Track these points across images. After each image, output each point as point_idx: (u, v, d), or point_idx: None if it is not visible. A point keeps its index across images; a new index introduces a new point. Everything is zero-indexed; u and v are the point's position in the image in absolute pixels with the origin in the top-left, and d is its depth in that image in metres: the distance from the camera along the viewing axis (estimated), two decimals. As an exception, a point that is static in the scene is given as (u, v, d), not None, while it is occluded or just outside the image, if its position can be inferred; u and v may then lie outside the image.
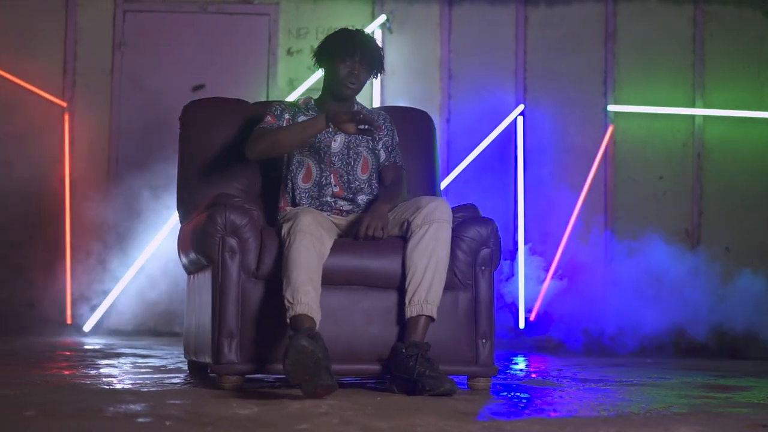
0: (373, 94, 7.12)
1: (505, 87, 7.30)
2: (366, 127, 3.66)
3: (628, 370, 4.95)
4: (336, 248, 3.49)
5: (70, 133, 7.15)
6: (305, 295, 3.27)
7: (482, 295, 3.62)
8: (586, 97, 7.31)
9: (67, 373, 3.93)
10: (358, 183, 3.80)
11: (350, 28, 3.92)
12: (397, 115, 4.17)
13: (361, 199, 3.79)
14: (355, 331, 3.50)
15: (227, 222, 3.44)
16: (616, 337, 6.73)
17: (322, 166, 3.79)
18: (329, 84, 3.85)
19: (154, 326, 7.05)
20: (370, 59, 3.80)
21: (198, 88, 7.18)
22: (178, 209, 4.09)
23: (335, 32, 3.88)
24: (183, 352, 4.21)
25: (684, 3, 7.38)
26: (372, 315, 3.52)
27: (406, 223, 3.56)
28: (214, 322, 3.42)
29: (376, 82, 6.97)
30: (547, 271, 7.01)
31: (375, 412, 2.80)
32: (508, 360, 5.53)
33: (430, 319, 3.46)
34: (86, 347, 5.63)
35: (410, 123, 4.26)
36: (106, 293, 6.94)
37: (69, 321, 6.96)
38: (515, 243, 7.06)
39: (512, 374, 4.47)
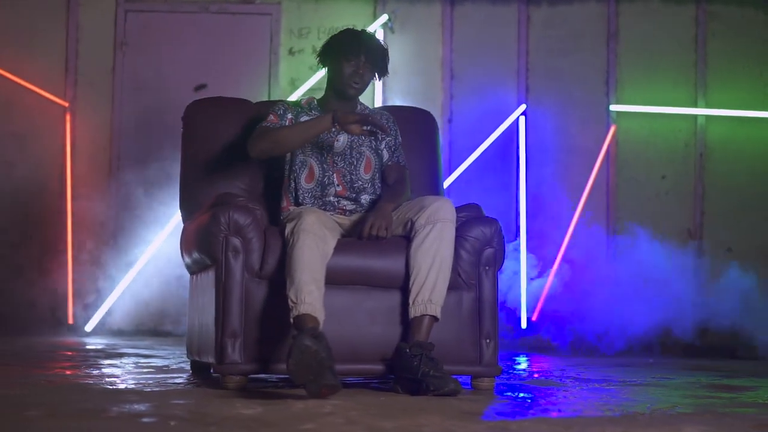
0: (375, 94, 7.11)
1: (507, 87, 7.29)
2: (370, 128, 3.65)
3: (631, 370, 4.94)
4: (339, 248, 3.48)
5: (71, 133, 7.14)
6: (309, 294, 3.26)
7: (486, 295, 3.62)
8: (588, 96, 7.30)
9: (69, 373, 3.92)
10: (361, 183, 3.80)
11: (355, 28, 3.92)
12: (399, 114, 4.16)
13: (364, 198, 3.79)
14: (359, 331, 3.50)
15: (231, 222, 3.43)
16: (618, 337, 6.72)
17: (325, 165, 3.78)
18: (333, 83, 3.84)
19: (152, 326, 7.03)
20: (375, 60, 3.80)
21: (200, 87, 7.17)
22: (181, 209, 4.08)
23: (340, 32, 3.87)
24: (185, 352, 4.20)
25: (686, 3, 7.37)
26: (375, 315, 3.52)
27: (409, 223, 3.56)
28: (217, 322, 3.41)
29: (378, 82, 6.96)
30: (549, 271, 7.00)
31: (379, 412, 2.79)
32: (510, 360, 5.53)
33: (434, 318, 3.45)
34: (88, 347, 5.62)
35: (413, 123, 4.25)
36: (107, 293, 6.93)
37: (70, 321, 6.95)
38: (517, 243, 7.05)
39: (515, 374, 4.46)
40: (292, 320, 3.27)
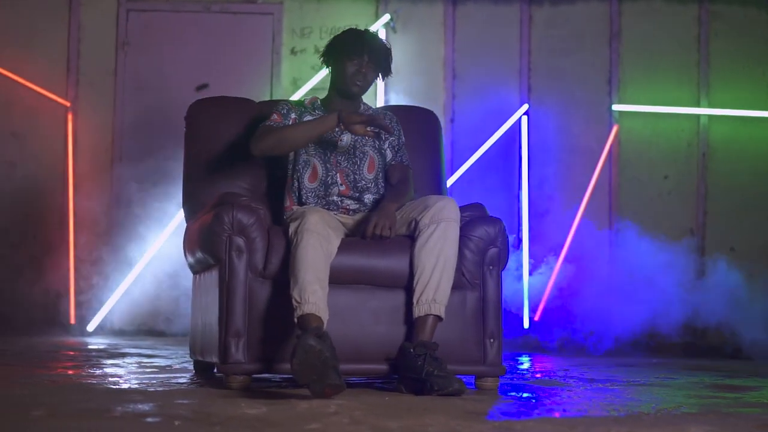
0: (377, 94, 7.10)
1: (510, 86, 7.29)
2: (374, 129, 3.65)
3: (634, 370, 4.93)
4: (343, 247, 3.47)
5: (72, 133, 7.13)
6: (313, 294, 3.26)
7: (490, 295, 3.61)
8: (590, 96, 7.29)
9: (72, 372, 3.91)
10: (364, 182, 3.79)
11: (358, 28, 3.93)
12: (403, 114, 4.16)
13: (368, 198, 3.78)
14: (363, 330, 3.49)
15: (234, 221, 3.42)
16: (620, 337, 6.72)
17: (328, 165, 3.78)
18: (336, 82, 3.85)
19: (152, 325, 7.03)
20: (378, 59, 3.81)
21: (202, 87, 7.17)
22: (184, 208, 4.08)
23: (343, 31, 3.88)
24: (188, 351, 4.20)
25: (689, 2, 7.36)
26: (379, 314, 3.51)
27: (413, 222, 3.55)
28: (221, 322, 3.41)
29: (380, 82, 6.94)
30: (551, 271, 6.99)
31: (384, 412, 2.78)
32: (513, 360, 5.52)
33: (438, 318, 3.45)
34: (90, 347, 5.62)
35: (416, 122, 4.25)
36: (109, 293, 6.92)
37: (72, 321, 6.94)
38: (519, 242, 7.04)
39: (518, 374, 4.45)
40: (296, 320, 3.27)
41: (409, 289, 3.49)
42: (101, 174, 7.13)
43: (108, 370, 4.03)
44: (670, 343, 6.91)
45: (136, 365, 4.35)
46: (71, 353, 5.11)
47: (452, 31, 7.31)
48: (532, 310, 6.95)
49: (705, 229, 7.27)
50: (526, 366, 5.10)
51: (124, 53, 7.23)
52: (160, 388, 3.32)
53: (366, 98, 4.00)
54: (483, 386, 3.59)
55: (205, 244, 3.50)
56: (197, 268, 3.91)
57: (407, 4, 7.30)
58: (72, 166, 7.08)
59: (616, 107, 7.27)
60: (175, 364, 4.49)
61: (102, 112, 7.18)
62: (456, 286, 3.52)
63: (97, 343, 6.04)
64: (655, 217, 7.19)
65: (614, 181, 7.26)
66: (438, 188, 4.16)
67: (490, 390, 3.55)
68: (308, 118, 3.82)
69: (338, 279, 3.43)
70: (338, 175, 3.78)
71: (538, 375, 4.49)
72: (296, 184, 3.78)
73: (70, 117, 7.14)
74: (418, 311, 3.44)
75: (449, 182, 7.00)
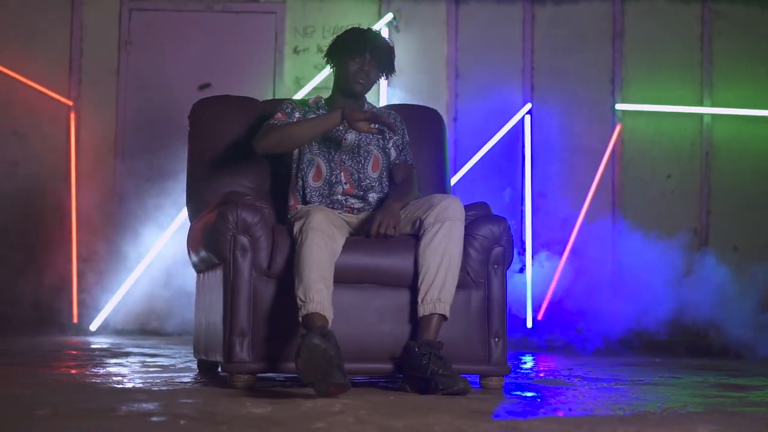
0: (380, 93, 7.10)
1: (512, 85, 7.28)
2: (378, 126, 3.65)
3: (638, 369, 4.93)
4: (348, 246, 3.47)
5: (75, 132, 7.13)
6: (317, 293, 3.25)
7: (495, 294, 3.60)
8: (593, 95, 7.29)
9: (75, 372, 3.90)
10: (368, 181, 3.78)
11: (361, 27, 3.93)
12: (406, 113, 4.16)
13: (372, 197, 3.78)
14: (367, 329, 3.48)
15: (239, 220, 3.42)
16: (622, 336, 6.71)
17: (333, 164, 3.77)
18: (339, 81, 3.84)
19: (157, 325, 7.03)
20: (381, 57, 3.80)
21: (204, 86, 7.16)
22: (188, 207, 4.07)
23: (346, 30, 3.88)
24: (192, 350, 4.19)
25: (692, 2, 7.35)
26: (384, 313, 3.50)
27: (418, 221, 3.55)
28: (225, 321, 3.40)
29: (383, 81, 6.95)
30: (555, 270, 6.98)
31: (389, 411, 2.78)
32: (517, 359, 5.51)
33: (443, 317, 3.44)
34: (93, 346, 5.61)
35: (420, 121, 4.25)
36: (111, 292, 6.92)
37: (75, 320, 6.94)
38: (522, 242, 7.04)
39: (522, 373, 4.44)
40: (300, 319, 3.26)
41: (413, 288, 3.49)
42: (103, 173, 7.13)
43: (111, 370, 4.03)
44: (670, 341, 6.90)
45: (139, 364, 4.34)
46: (74, 353, 5.10)
47: (455, 30, 7.31)
48: (535, 310, 6.94)
49: (708, 228, 7.26)
50: (529, 365, 5.09)
51: (126, 52, 7.22)
52: (164, 388, 3.32)
53: (369, 97, 4.00)
54: (488, 385, 3.58)
55: (210, 243, 3.49)
56: (201, 267, 3.90)
57: (410, 3, 7.29)
58: (74, 165, 7.07)
59: (619, 106, 7.26)
60: (178, 363, 4.49)
61: (104, 111, 7.18)
62: (461, 285, 3.51)
63: (99, 342, 6.04)
64: (659, 217, 7.18)
65: (617, 181, 7.25)
66: (442, 187, 4.15)
67: (494, 389, 3.55)
68: (312, 117, 3.82)
69: (343, 278, 3.42)
70: (342, 174, 3.77)
71: (542, 374, 4.49)
72: (300, 182, 3.78)
73: (72, 116, 7.13)
74: (423, 310, 3.43)
75: (453, 181, 6.99)
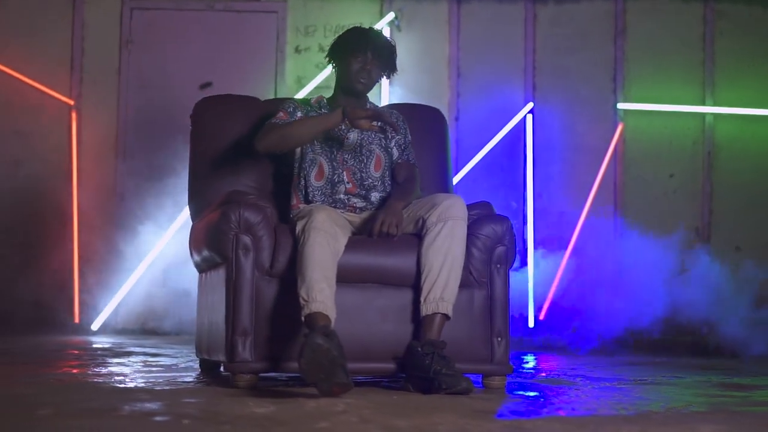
0: (382, 92, 7.09)
1: (514, 85, 7.27)
2: (380, 124, 3.64)
3: (641, 368, 4.92)
4: (350, 246, 3.46)
5: (76, 131, 7.13)
6: (320, 292, 3.24)
7: (497, 293, 3.60)
8: (595, 95, 7.28)
9: (77, 371, 3.90)
10: (371, 180, 3.78)
11: (363, 26, 3.92)
12: (409, 112, 4.15)
13: (374, 196, 3.77)
14: (370, 329, 3.48)
15: (241, 219, 3.41)
16: (623, 336, 6.70)
17: (335, 163, 3.77)
18: (341, 80, 3.84)
19: (158, 324, 7.03)
20: (382, 56, 3.80)
21: (205, 86, 7.15)
22: (190, 206, 4.06)
23: (348, 30, 3.88)
24: (194, 350, 4.18)
25: (694, 1, 7.35)
26: (387, 313, 3.50)
27: (421, 221, 3.54)
28: (227, 321, 3.40)
29: (385, 81, 6.94)
30: (557, 269, 6.98)
31: (393, 411, 2.77)
32: (519, 359, 5.51)
33: (446, 317, 3.43)
34: (95, 346, 5.61)
35: (422, 120, 4.24)
36: (113, 292, 6.92)
37: (77, 320, 6.93)
38: (524, 242, 7.03)
39: (525, 373, 4.44)
40: (303, 318, 3.25)
41: (416, 288, 3.48)
42: (104, 173, 7.13)
43: (113, 369, 4.02)
44: (668, 340, 6.89)
45: (141, 364, 4.34)
46: (76, 352, 5.10)
47: (457, 29, 7.30)
48: (537, 309, 6.94)
49: (711, 228, 7.25)
50: (532, 365, 5.08)
51: (127, 51, 7.22)
52: (167, 387, 3.31)
53: (370, 97, 3.99)
54: (490, 385, 3.57)
55: (212, 243, 3.48)
56: (203, 267, 3.89)
57: (412, 3, 7.29)
58: (75, 164, 7.07)
59: (621, 106, 7.26)
60: (180, 362, 4.48)
61: (105, 111, 7.17)
62: (463, 285, 3.51)
63: (101, 342, 6.03)
64: (661, 216, 7.17)
65: (619, 180, 7.24)
66: (444, 186, 4.15)
67: (497, 389, 3.54)
68: (314, 116, 3.81)
69: (345, 277, 3.41)
70: (345, 173, 3.76)
71: (544, 374, 4.48)
72: (303, 182, 3.77)
73: (73, 115, 7.13)
74: (426, 310, 3.43)
75: (455, 180, 6.98)
